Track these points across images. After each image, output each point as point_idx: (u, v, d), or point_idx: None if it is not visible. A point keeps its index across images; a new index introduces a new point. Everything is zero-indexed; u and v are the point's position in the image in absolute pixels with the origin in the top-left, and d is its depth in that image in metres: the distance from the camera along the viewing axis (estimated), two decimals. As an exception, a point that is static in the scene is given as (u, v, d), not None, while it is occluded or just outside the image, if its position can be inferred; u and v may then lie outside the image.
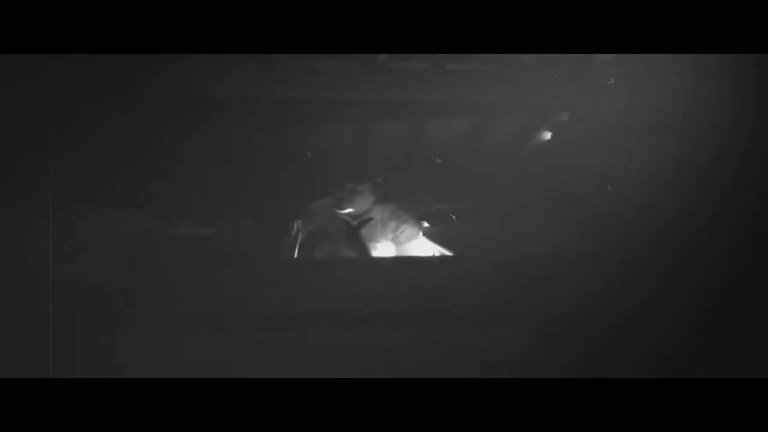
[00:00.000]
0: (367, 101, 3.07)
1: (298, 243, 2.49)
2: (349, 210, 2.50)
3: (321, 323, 1.78)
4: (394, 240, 2.57)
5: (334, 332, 1.74)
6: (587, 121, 3.31)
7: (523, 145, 3.60)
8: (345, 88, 3.04)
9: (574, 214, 3.21)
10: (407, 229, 2.56)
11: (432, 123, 3.37)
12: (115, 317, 1.72)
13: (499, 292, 2.06)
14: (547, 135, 3.57)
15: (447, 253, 2.57)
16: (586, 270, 2.31)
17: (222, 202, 2.95)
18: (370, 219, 2.54)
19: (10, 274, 1.88)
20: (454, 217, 2.96)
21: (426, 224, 2.85)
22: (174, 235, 2.27)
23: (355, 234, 2.50)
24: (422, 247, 2.56)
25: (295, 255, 2.48)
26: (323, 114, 2.86)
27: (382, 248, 2.58)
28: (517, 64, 2.99)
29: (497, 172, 3.50)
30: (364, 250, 2.47)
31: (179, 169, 3.19)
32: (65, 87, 2.82)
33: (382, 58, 2.87)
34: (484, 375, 1.43)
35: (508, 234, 3.00)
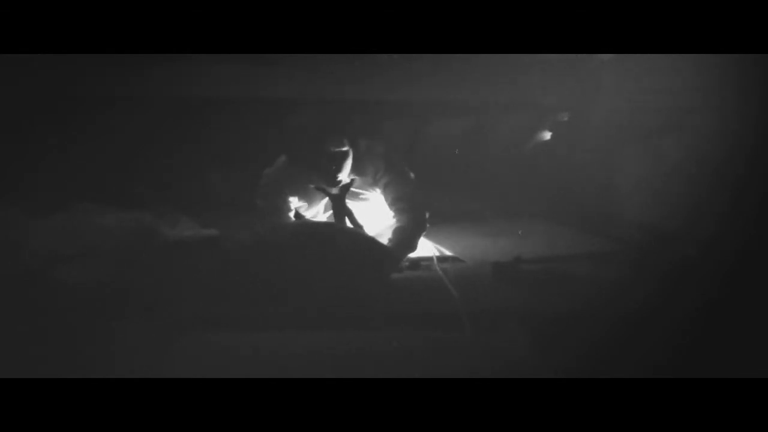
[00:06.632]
0: (367, 101, 3.07)
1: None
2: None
3: (320, 324, 1.78)
4: (378, 184, 2.44)
5: (333, 333, 1.74)
6: (587, 121, 3.31)
7: (523, 145, 3.60)
8: (345, 88, 3.05)
9: (574, 215, 3.21)
10: (390, 173, 2.40)
11: (432, 123, 3.38)
12: (115, 317, 1.72)
13: (499, 293, 2.06)
14: (547, 135, 3.58)
15: (447, 253, 2.56)
16: (586, 270, 2.31)
17: (222, 202, 2.96)
18: (352, 181, 2.40)
19: (10, 274, 1.88)
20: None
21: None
22: (174, 235, 2.26)
23: (339, 201, 2.40)
24: (422, 247, 2.55)
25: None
26: (323, 114, 2.85)
27: (373, 200, 2.50)
28: (517, 64, 2.99)
29: (497, 171, 3.50)
30: (350, 215, 2.40)
31: (179, 169, 3.19)
32: (65, 87, 2.83)
33: (382, 58, 2.87)
34: (485, 375, 1.43)
35: (508, 234, 3.00)
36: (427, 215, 2.39)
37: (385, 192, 2.43)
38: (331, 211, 2.46)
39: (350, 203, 2.45)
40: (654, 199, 2.73)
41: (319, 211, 2.55)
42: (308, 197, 2.48)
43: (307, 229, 2.29)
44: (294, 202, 2.46)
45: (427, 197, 2.41)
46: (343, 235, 2.26)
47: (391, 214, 2.42)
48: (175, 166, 3.17)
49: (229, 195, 3.05)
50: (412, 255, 2.37)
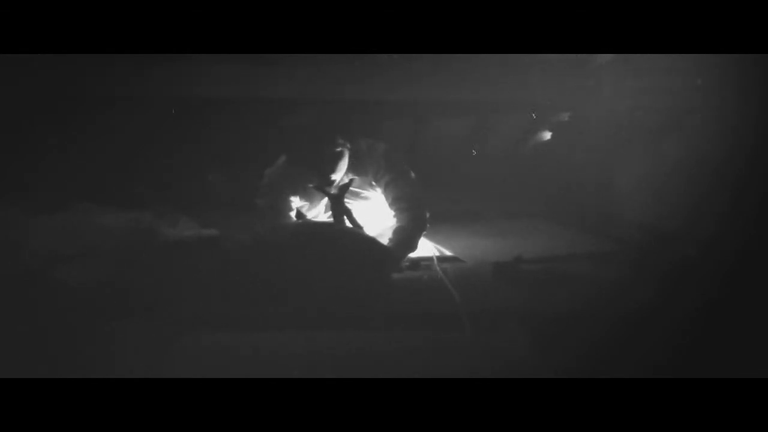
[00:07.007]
0: (367, 101, 3.07)
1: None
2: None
3: (320, 324, 1.78)
4: (378, 183, 2.44)
5: (333, 333, 1.74)
6: (587, 121, 3.31)
7: (523, 145, 3.60)
8: (345, 88, 3.04)
9: (574, 215, 3.21)
10: (391, 172, 2.40)
11: (432, 123, 3.38)
12: (115, 317, 1.72)
13: (499, 293, 2.06)
14: (547, 135, 3.58)
15: (447, 253, 2.56)
16: (586, 270, 2.31)
17: (222, 202, 2.96)
18: (351, 181, 2.40)
19: (10, 274, 1.88)
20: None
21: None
22: (174, 235, 2.26)
23: (337, 201, 2.39)
24: (422, 247, 2.55)
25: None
26: (323, 114, 2.85)
27: (373, 200, 2.50)
28: (517, 64, 2.99)
29: (497, 171, 3.50)
30: (349, 215, 2.39)
31: (179, 169, 3.19)
32: (65, 87, 2.83)
33: (382, 58, 2.87)
34: (485, 375, 1.43)
35: (508, 234, 3.00)
36: (428, 215, 2.39)
37: (385, 191, 2.42)
38: (331, 211, 2.46)
39: (351, 203, 2.45)
40: (654, 199, 2.73)
41: (320, 211, 2.55)
42: (309, 197, 2.48)
43: (307, 229, 2.29)
44: (295, 202, 2.47)
45: (427, 197, 2.41)
46: (343, 235, 2.26)
47: (392, 213, 2.42)
48: (175, 166, 3.17)
49: (229, 195, 3.05)
50: (413, 255, 2.37)
